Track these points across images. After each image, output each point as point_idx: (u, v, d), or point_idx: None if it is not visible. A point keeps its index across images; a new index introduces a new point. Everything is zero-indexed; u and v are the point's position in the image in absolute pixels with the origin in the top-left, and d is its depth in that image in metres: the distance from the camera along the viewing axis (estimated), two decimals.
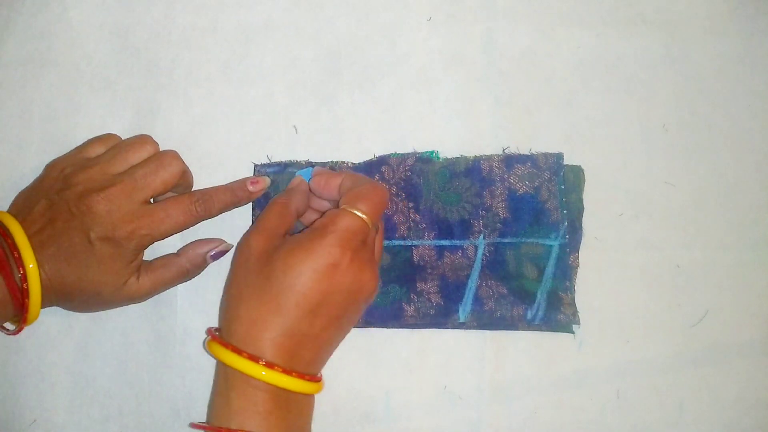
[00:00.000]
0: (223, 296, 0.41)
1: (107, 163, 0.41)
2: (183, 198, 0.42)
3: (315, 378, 0.38)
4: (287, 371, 0.36)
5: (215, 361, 0.39)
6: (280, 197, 0.42)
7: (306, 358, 0.38)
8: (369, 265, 0.38)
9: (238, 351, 0.36)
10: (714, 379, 0.44)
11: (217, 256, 0.44)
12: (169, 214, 0.41)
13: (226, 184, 0.44)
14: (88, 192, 0.39)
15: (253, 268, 0.38)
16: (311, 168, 0.45)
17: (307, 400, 0.39)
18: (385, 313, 0.44)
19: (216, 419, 0.37)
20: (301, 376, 0.37)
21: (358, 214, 0.38)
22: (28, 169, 0.46)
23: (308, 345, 0.37)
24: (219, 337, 0.38)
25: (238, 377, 0.36)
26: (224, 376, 0.38)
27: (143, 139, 0.43)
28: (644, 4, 0.48)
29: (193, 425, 0.39)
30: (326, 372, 0.44)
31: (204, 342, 0.40)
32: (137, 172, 0.41)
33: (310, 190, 0.43)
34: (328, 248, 0.37)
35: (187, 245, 0.44)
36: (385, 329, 0.45)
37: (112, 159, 0.41)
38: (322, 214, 0.43)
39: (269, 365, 0.36)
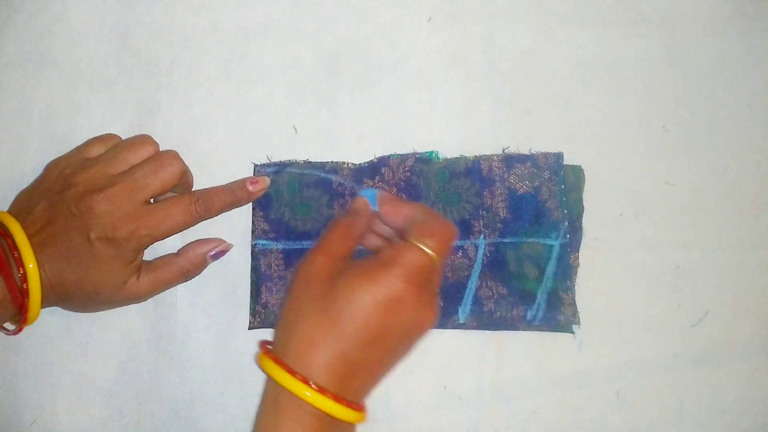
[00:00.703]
0: (280, 311, 0.40)
1: (107, 163, 0.41)
2: (183, 198, 0.42)
3: (361, 407, 0.37)
4: (337, 398, 0.35)
5: (264, 376, 0.38)
6: (345, 218, 0.41)
7: (355, 387, 0.37)
8: (430, 302, 0.37)
9: (291, 371, 0.35)
10: (714, 379, 0.44)
11: (217, 256, 0.44)
12: (169, 214, 0.41)
13: (226, 184, 0.44)
14: (88, 192, 0.39)
15: (315, 289, 0.37)
16: (375, 189, 0.44)
17: (352, 427, 0.38)
18: None
19: None
20: (350, 404, 0.36)
21: (428, 250, 0.37)
22: (28, 169, 0.46)
23: (360, 374, 0.37)
24: (273, 353, 0.37)
25: (288, 397, 0.36)
26: (274, 393, 0.37)
27: (143, 139, 0.43)
28: (644, 4, 0.48)
29: None
30: None
31: (256, 356, 0.39)
32: (137, 173, 0.41)
33: (373, 213, 0.42)
34: (394, 282, 0.36)
35: (187, 245, 0.44)
36: None
37: (112, 159, 0.41)
38: (383, 238, 0.43)
39: (321, 390, 0.35)
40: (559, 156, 0.45)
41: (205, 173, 0.46)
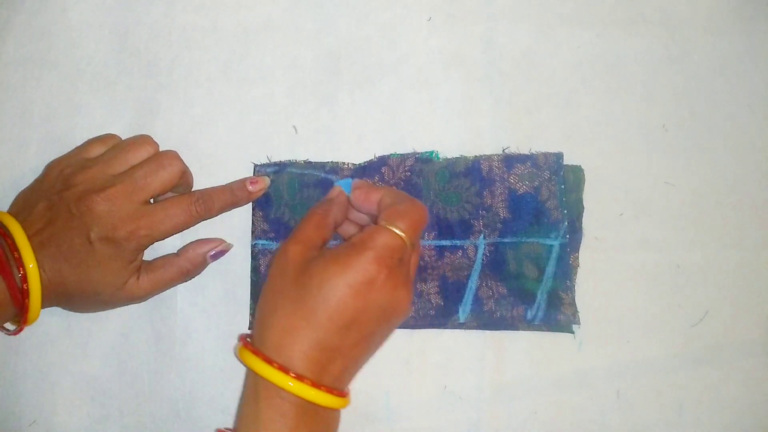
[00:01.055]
0: (257, 303, 0.40)
1: (107, 164, 0.41)
2: (183, 198, 0.42)
3: (342, 393, 0.38)
4: (316, 385, 0.36)
5: (245, 369, 0.39)
6: (319, 207, 0.41)
7: (335, 373, 0.37)
8: (404, 283, 0.38)
9: (269, 361, 0.36)
10: (714, 379, 0.44)
11: (216, 256, 0.44)
12: (169, 214, 0.41)
13: (226, 184, 0.44)
14: (88, 192, 0.39)
15: (289, 279, 0.37)
16: (350, 179, 0.44)
17: (334, 413, 0.39)
18: None
19: (243, 427, 0.37)
20: (330, 390, 0.36)
21: (397, 231, 0.37)
22: (28, 169, 0.46)
23: (338, 360, 0.37)
24: (251, 344, 0.38)
25: (267, 387, 0.36)
26: (254, 384, 0.37)
27: (143, 140, 0.43)
28: (644, 4, 0.48)
29: (219, 431, 0.39)
30: None
31: (235, 348, 0.40)
32: (137, 173, 0.41)
33: (348, 201, 0.43)
34: (364, 265, 0.36)
35: (187, 245, 0.44)
36: None
37: (112, 159, 0.41)
38: (360, 227, 0.43)
39: (299, 377, 0.35)
40: (559, 156, 0.45)
41: (205, 173, 0.46)
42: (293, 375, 0.35)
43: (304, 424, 0.36)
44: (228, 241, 0.45)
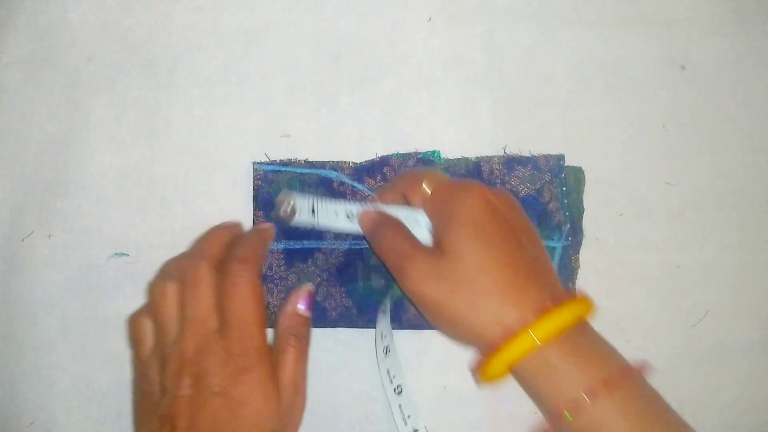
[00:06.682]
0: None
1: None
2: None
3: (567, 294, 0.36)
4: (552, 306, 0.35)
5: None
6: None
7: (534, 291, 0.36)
8: None
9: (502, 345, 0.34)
10: (714, 379, 0.44)
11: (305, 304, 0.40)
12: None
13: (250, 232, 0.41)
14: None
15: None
16: None
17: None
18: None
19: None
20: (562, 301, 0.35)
21: None
22: (28, 170, 0.46)
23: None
24: (484, 356, 0.36)
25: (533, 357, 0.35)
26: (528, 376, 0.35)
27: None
28: (644, 4, 0.48)
29: None
30: (326, 372, 0.44)
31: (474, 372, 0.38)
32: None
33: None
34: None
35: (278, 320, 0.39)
36: None
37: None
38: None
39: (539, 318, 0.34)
40: (560, 158, 0.45)
41: (205, 173, 0.46)
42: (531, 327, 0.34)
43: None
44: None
